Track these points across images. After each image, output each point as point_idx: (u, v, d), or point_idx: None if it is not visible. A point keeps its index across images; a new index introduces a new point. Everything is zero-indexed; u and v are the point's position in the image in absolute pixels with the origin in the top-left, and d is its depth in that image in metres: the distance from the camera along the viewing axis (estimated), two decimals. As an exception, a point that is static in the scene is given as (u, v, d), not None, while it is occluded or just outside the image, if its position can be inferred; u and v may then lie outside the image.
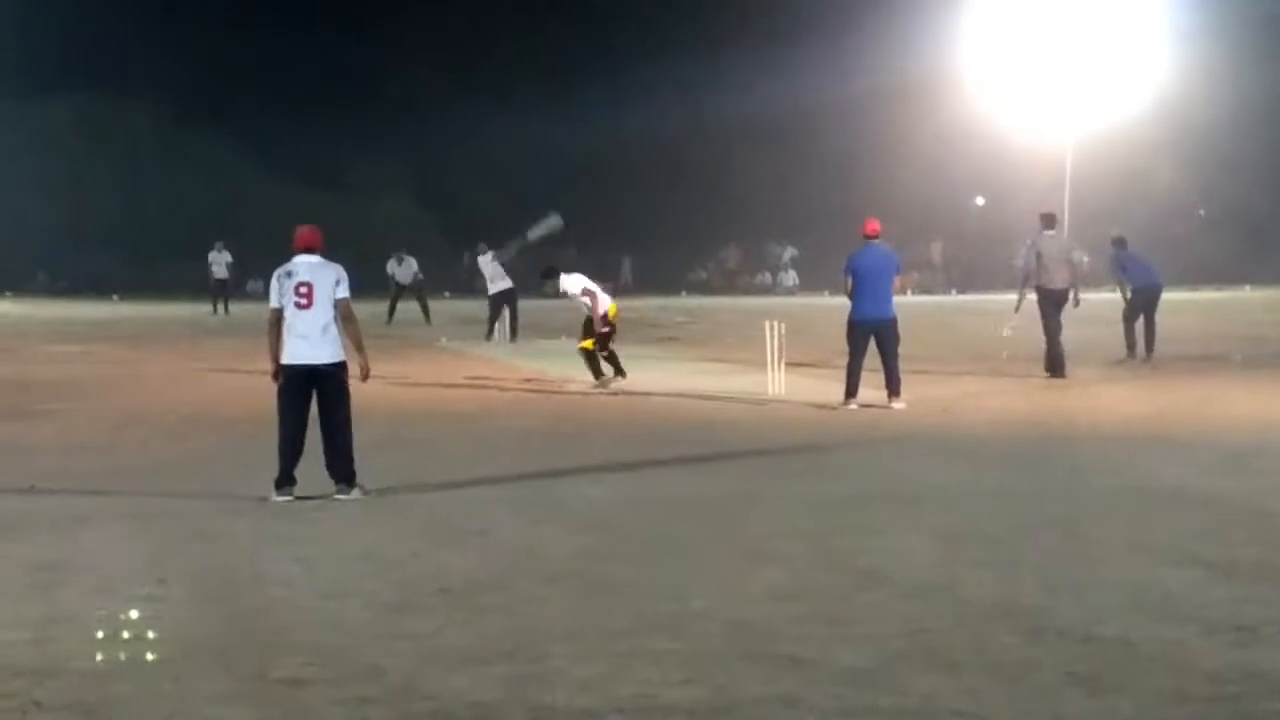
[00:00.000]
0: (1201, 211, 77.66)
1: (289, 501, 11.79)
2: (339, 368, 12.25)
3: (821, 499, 11.46)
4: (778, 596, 8.06)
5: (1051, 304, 21.62)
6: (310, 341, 12.19)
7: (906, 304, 23.31)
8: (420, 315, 39.63)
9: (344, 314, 12.27)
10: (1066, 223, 24.47)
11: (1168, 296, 25.40)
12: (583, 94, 74.38)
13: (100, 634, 7.48)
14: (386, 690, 6.50)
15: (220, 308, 47.03)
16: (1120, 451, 14.25)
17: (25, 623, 7.68)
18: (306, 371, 12.21)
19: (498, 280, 33.19)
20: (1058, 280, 21.66)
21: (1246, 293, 56.02)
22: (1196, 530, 9.79)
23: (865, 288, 18.79)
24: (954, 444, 15.11)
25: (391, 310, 39.42)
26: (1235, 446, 14.38)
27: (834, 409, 18.26)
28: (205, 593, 8.41)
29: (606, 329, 20.75)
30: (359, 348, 12.41)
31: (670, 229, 67.63)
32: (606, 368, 20.86)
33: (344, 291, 12.32)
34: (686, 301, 51.97)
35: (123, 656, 7.16)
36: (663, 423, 17.28)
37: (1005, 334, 23.16)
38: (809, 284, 61.44)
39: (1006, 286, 34.52)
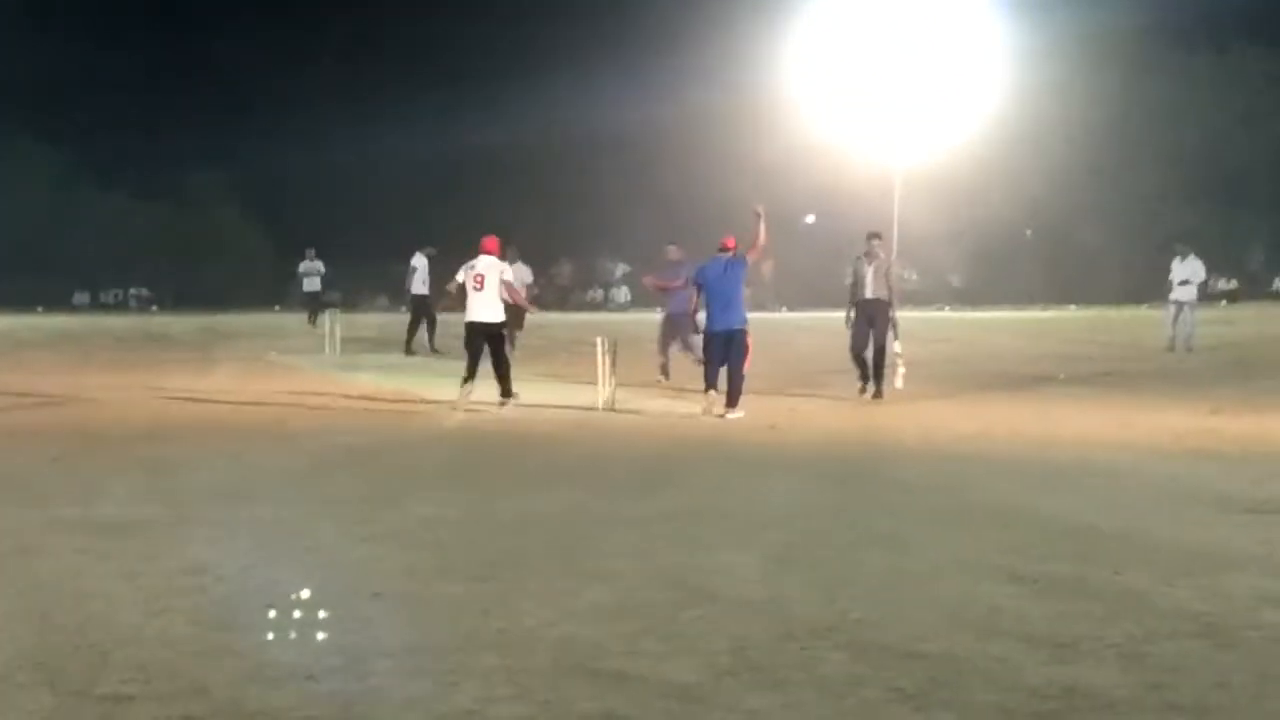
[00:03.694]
0: (1028, 231, 78.85)
1: (468, 393, 20.13)
2: (499, 325, 20.69)
3: (650, 515, 11.47)
4: (606, 613, 8.06)
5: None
6: (481, 309, 20.50)
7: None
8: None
9: (508, 290, 20.79)
10: (895, 243, 24.54)
11: (996, 316, 25.72)
12: (419, 107, 74.13)
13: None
14: (212, 707, 6.42)
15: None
16: (946, 469, 14.39)
17: None
18: (479, 326, 20.50)
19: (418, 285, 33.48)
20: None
21: (1071, 312, 56.91)
22: (1020, 547, 9.91)
23: (714, 298, 19.37)
24: (782, 461, 15.20)
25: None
26: (1058, 464, 14.59)
27: (700, 407, 19.55)
28: (26, 608, 8.26)
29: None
30: (518, 300, 21.93)
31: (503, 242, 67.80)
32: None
33: (508, 278, 20.90)
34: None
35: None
36: (494, 439, 17.25)
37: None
38: (640, 300, 61.66)
39: (833, 304, 34.68)
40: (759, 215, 20.00)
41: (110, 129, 77.15)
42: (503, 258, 21.31)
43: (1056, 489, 12.95)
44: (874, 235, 22.37)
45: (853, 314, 22.01)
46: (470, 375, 20.23)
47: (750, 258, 20.32)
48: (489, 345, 20.35)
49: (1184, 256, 33.91)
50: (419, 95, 75.66)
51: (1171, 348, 32.24)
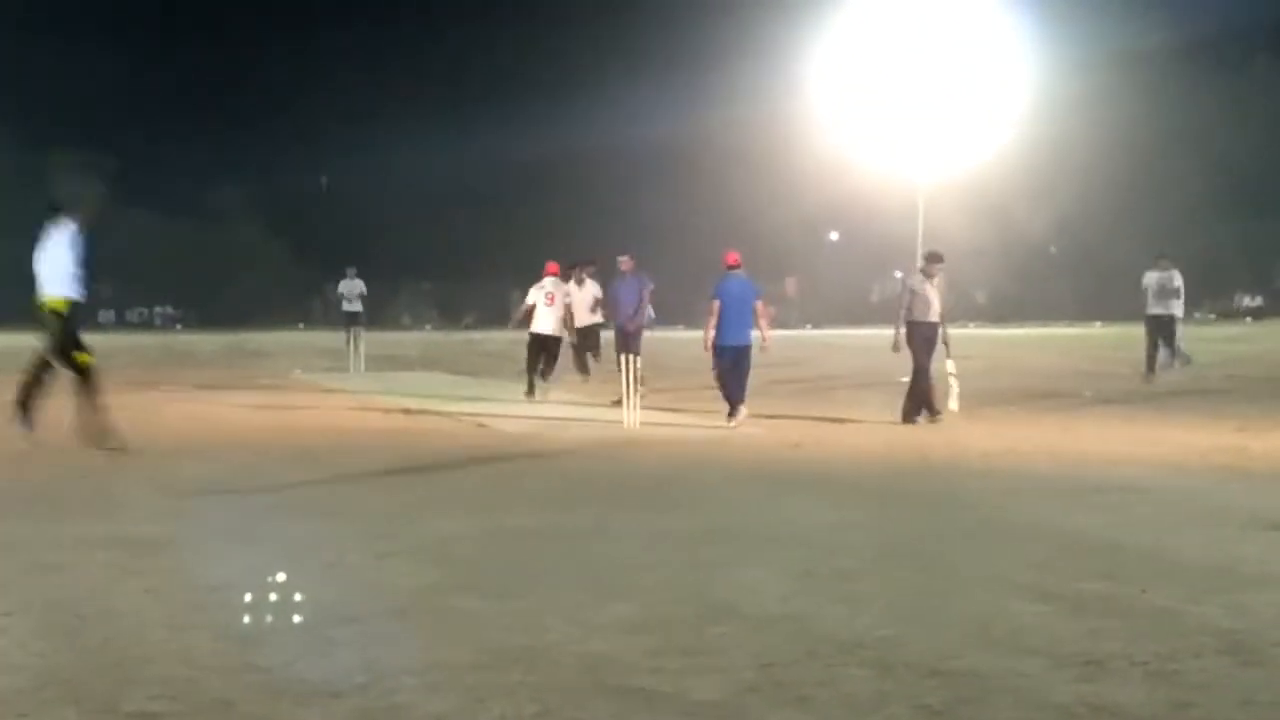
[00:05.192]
0: (1053, 249, 78.77)
1: (535, 400, 24.85)
2: (559, 337, 25.66)
3: (674, 532, 11.45)
4: (630, 629, 8.04)
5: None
6: (548, 322, 25.32)
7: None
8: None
9: (568, 308, 26.07)
10: (919, 259, 24.32)
11: (1022, 333, 25.68)
12: (431, 125, 74.19)
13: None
14: (236, 724, 6.43)
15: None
16: (972, 486, 14.34)
17: None
18: (543, 336, 25.29)
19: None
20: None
21: (1097, 329, 56.80)
22: (1047, 564, 9.87)
23: (730, 314, 19.76)
24: (807, 478, 15.17)
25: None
26: (1085, 481, 14.55)
27: (727, 428, 19.83)
28: (51, 625, 8.25)
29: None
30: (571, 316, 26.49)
31: (522, 260, 67.91)
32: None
33: (568, 300, 26.00)
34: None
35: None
36: (515, 455, 17.23)
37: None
38: (664, 317, 61.59)
39: (858, 322, 34.66)
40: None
41: (134, 145, 77.49)
42: (564, 280, 26.55)
43: (1083, 506, 12.90)
44: (937, 257, 21.81)
45: (903, 332, 21.16)
46: (532, 386, 25.21)
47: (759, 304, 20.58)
48: (546, 352, 25.43)
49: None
50: (428, 114, 75.99)
51: (1167, 365, 31.77)
